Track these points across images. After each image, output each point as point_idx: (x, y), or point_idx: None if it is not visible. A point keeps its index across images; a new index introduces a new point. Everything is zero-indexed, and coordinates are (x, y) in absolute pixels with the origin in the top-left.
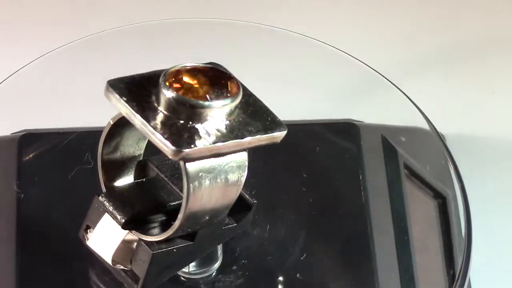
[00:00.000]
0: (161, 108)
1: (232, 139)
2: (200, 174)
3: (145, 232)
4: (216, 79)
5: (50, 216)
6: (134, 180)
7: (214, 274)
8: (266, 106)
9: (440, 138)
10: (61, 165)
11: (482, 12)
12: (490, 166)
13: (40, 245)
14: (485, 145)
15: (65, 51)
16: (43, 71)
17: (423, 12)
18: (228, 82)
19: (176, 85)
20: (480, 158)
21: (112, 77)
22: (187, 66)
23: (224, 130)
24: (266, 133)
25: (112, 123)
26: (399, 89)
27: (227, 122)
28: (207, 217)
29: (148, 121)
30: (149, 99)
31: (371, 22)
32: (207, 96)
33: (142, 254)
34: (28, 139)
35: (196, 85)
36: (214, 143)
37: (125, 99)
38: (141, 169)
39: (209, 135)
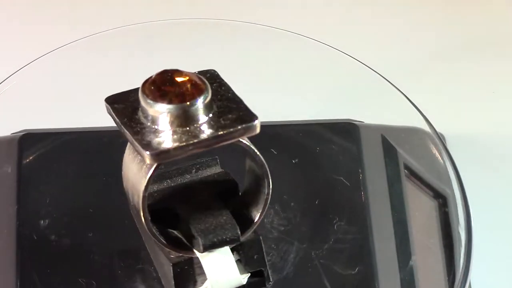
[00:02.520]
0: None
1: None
2: None
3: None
4: (183, 82)
5: (50, 216)
6: None
7: None
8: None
9: (440, 138)
10: (61, 165)
11: (482, 12)
12: (490, 166)
13: (40, 245)
14: (485, 145)
15: (65, 51)
16: (43, 71)
17: (423, 12)
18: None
19: (156, 93)
20: (480, 158)
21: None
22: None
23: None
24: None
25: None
26: (398, 89)
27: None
28: None
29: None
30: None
31: (371, 22)
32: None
33: None
34: (28, 139)
35: (171, 90)
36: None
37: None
38: None
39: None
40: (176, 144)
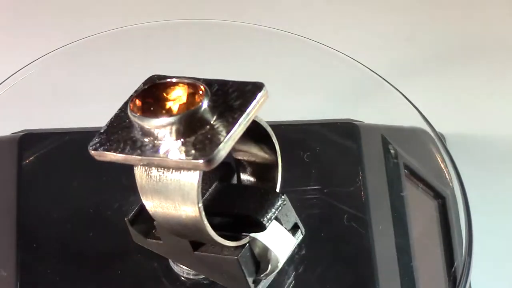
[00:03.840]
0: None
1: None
2: None
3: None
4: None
5: (51, 216)
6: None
7: None
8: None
9: (440, 138)
10: (61, 165)
11: (482, 12)
12: (490, 166)
13: (40, 245)
14: (485, 145)
15: (65, 51)
16: (43, 71)
17: (422, 13)
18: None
19: (158, 108)
20: (480, 158)
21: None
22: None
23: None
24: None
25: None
26: (398, 90)
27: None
28: None
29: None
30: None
31: (371, 23)
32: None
33: None
34: (28, 139)
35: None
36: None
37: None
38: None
39: (212, 132)
40: (223, 138)
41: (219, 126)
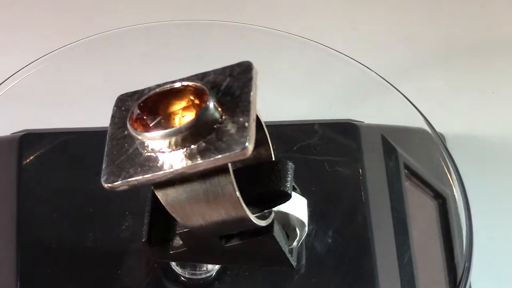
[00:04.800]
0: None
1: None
2: None
3: None
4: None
5: (50, 216)
6: None
7: (214, 274)
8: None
9: (440, 138)
10: (61, 165)
11: (482, 12)
12: (490, 166)
13: (40, 245)
14: (485, 145)
15: (65, 51)
16: (43, 71)
17: (422, 13)
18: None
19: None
20: (480, 158)
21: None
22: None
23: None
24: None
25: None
26: (398, 90)
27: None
28: None
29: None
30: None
31: (371, 23)
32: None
33: None
34: (28, 139)
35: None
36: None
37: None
38: None
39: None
40: (247, 123)
41: (234, 115)
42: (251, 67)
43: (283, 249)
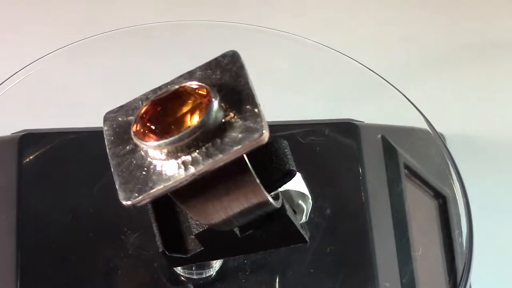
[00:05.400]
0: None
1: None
2: None
3: None
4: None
5: (50, 216)
6: None
7: (214, 274)
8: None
9: (440, 138)
10: (61, 165)
11: (482, 12)
12: (490, 166)
13: (40, 245)
14: (485, 145)
15: (65, 52)
16: (43, 71)
17: (422, 13)
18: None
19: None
20: (480, 158)
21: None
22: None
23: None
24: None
25: None
26: (398, 90)
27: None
28: None
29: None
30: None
31: (371, 23)
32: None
33: None
34: (28, 139)
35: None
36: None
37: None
38: None
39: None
40: (256, 109)
41: (240, 105)
42: (237, 54)
43: (297, 226)
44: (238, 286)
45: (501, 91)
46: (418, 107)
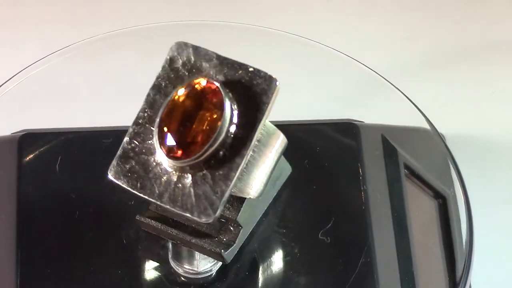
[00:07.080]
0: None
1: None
2: None
3: None
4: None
5: (50, 215)
6: None
7: (214, 274)
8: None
9: (440, 138)
10: (61, 165)
11: (481, 12)
12: (490, 166)
13: (40, 244)
14: (485, 145)
15: (65, 52)
16: (43, 72)
17: (423, 13)
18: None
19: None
20: (480, 158)
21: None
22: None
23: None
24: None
25: None
26: (398, 89)
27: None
28: None
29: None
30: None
31: (371, 23)
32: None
33: None
34: (28, 139)
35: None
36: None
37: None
38: None
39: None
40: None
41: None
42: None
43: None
44: (238, 286)
45: (501, 91)
46: (418, 107)
